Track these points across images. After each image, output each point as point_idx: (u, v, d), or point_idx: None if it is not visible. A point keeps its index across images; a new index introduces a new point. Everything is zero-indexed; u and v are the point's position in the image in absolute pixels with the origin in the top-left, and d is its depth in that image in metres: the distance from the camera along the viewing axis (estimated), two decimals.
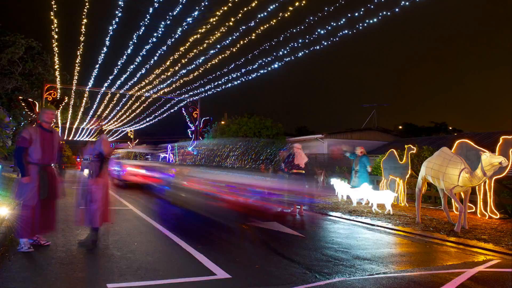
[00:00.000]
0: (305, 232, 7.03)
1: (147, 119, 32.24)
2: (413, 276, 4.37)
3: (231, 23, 11.63)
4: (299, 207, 9.49)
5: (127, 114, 29.87)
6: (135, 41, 13.36)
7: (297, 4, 10.34)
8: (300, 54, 13.04)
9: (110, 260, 4.55)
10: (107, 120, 33.48)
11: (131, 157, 17.11)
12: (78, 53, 15.39)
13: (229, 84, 18.60)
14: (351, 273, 4.43)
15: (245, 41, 13.16)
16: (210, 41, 13.22)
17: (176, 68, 17.00)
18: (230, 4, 10.57)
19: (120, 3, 10.72)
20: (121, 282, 3.81)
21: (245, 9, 10.83)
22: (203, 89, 21.17)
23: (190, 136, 23.75)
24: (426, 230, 7.22)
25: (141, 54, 15.00)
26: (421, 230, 7.29)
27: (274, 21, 11.42)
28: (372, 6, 9.58)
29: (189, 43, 13.49)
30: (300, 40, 12.38)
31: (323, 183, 15.95)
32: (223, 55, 14.90)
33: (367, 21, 10.33)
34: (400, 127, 50.70)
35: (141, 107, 27.01)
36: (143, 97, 24.08)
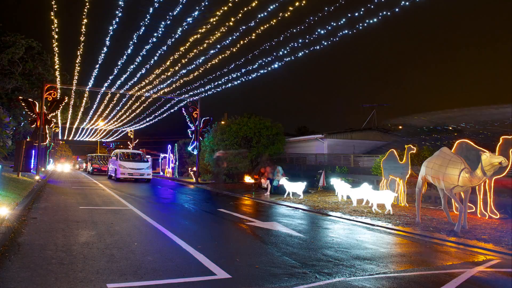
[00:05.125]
0: (305, 232, 7.03)
1: (147, 119, 32.27)
2: (413, 276, 4.37)
3: (231, 23, 11.64)
4: None
5: (127, 114, 29.90)
6: (135, 41, 13.39)
7: (297, 4, 10.35)
8: (300, 54, 13.06)
9: (110, 260, 4.55)
10: (107, 120, 33.49)
11: None
12: (78, 53, 15.42)
13: (229, 84, 18.64)
14: (351, 273, 4.43)
15: (245, 41, 13.17)
16: (210, 41, 13.23)
17: (176, 68, 17.04)
18: (230, 4, 10.57)
19: (120, 3, 10.73)
20: (121, 282, 3.81)
21: (245, 9, 10.84)
22: (203, 89, 21.21)
23: (190, 136, 23.75)
24: (426, 230, 7.22)
25: (141, 54, 15.03)
26: (421, 230, 7.29)
27: (274, 21, 11.43)
28: (372, 6, 9.59)
29: (189, 43, 13.51)
30: (300, 40, 12.40)
31: (323, 183, 15.98)
32: (223, 55, 14.92)
33: (367, 21, 10.35)
34: (400, 127, 50.54)
35: (141, 107, 27.04)
36: (143, 97, 24.09)
